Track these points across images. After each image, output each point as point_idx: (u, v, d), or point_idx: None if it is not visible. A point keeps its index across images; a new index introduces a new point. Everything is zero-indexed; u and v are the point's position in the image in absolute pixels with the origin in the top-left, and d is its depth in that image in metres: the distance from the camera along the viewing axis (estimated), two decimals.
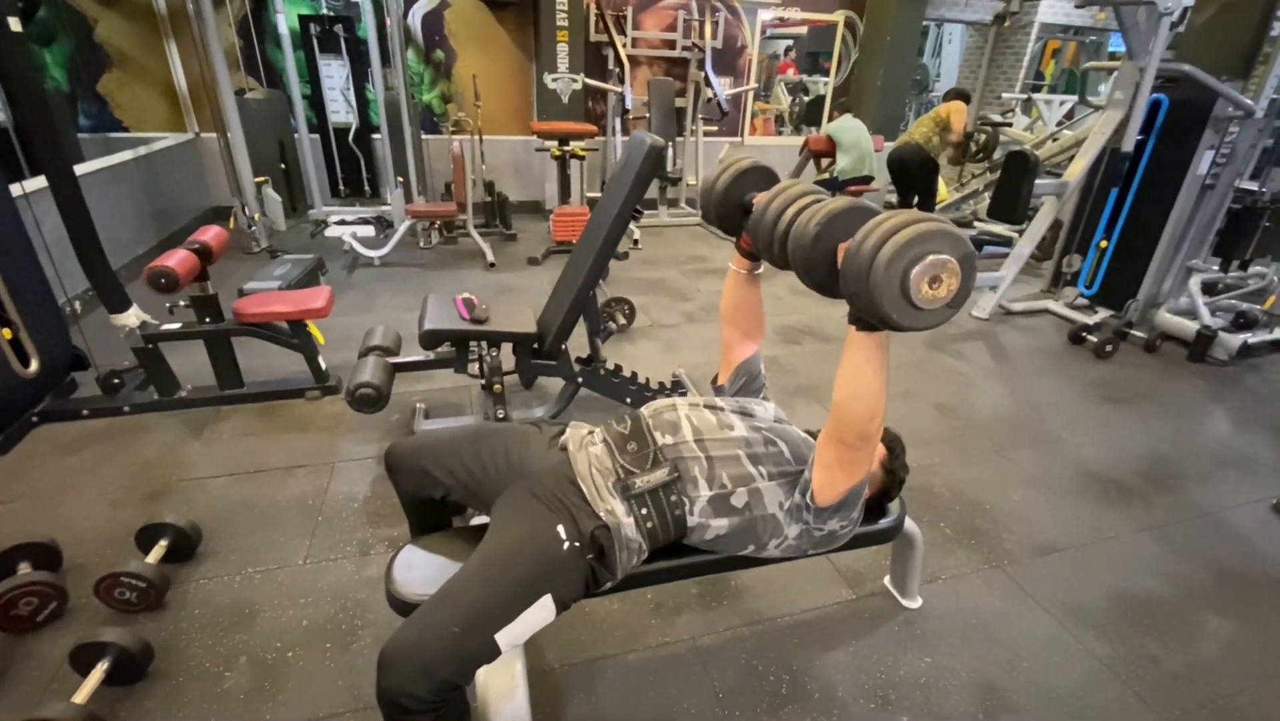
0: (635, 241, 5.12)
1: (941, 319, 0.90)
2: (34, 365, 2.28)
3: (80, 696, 1.28)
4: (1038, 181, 3.62)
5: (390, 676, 0.94)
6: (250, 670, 1.47)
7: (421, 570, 1.19)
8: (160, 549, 1.69)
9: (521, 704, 1.13)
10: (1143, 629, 1.71)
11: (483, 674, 1.14)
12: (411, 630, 0.99)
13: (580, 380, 2.41)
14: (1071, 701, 1.50)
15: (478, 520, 1.42)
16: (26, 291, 2.30)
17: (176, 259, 2.23)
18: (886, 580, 1.80)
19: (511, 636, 1.02)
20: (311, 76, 5.04)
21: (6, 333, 2.19)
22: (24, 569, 1.57)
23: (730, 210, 1.28)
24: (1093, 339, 3.50)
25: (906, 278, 0.85)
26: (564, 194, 4.87)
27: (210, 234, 2.43)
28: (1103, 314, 3.78)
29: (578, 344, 2.42)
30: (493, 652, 1.01)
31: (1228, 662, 1.62)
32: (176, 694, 1.41)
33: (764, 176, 1.28)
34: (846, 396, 1.03)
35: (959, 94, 5.23)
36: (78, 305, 3.15)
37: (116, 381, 2.45)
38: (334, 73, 5.12)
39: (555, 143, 4.65)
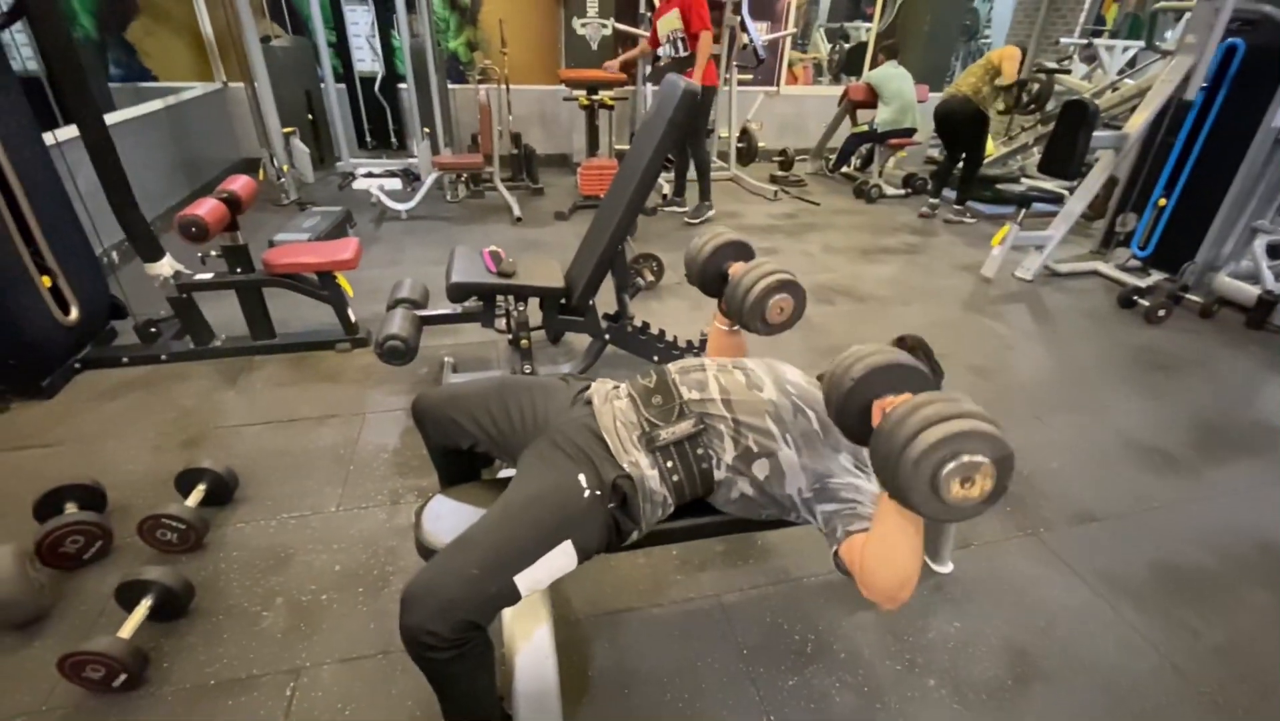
0: (664, 196, 5.00)
1: (975, 514, 0.86)
2: (74, 313, 2.34)
3: (126, 630, 1.33)
4: (1095, 134, 3.40)
5: (412, 614, 0.96)
6: (286, 611, 1.51)
7: (450, 519, 1.19)
8: (199, 493, 1.73)
9: (547, 649, 1.14)
10: (1183, 601, 1.66)
11: (509, 618, 1.15)
12: (433, 570, 1.00)
13: (607, 337, 2.38)
14: (1105, 670, 1.47)
15: (505, 472, 1.41)
16: (64, 240, 2.34)
17: (206, 208, 2.23)
18: None
19: (531, 580, 1.02)
20: (337, 23, 4.94)
21: (46, 280, 2.24)
22: (70, 508, 1.63)
23: (710, 278, 1.47)
24: (1144, 303, 3.34)
25: (937, 477, 0.81)
26: (592, 146, 4.75)
27: (239, 183, 2.42)
28: (1156, 277, 3.60)
29: (605, 300, 2.38)
30: (513, 594, 1.01)
31: (1271, 638, 1.57)
32: (217, 630, 1.46)
33: (740, 249, 1.46)
34: (876, 560, 0.97)
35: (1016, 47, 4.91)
36: (115, 255, 3.20)
37: (154, 330, 2.50)
38: (359, 19, 5.02)
39: (584, 92, 4.51)
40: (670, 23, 4.07)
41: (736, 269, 1.40)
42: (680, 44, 4.11)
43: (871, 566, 0.97)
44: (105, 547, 1.61)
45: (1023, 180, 5.27)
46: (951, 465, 0.80)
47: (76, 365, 2.39)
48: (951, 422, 0.82)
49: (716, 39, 5.36)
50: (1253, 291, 3.24)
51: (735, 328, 1.45)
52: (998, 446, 0.82)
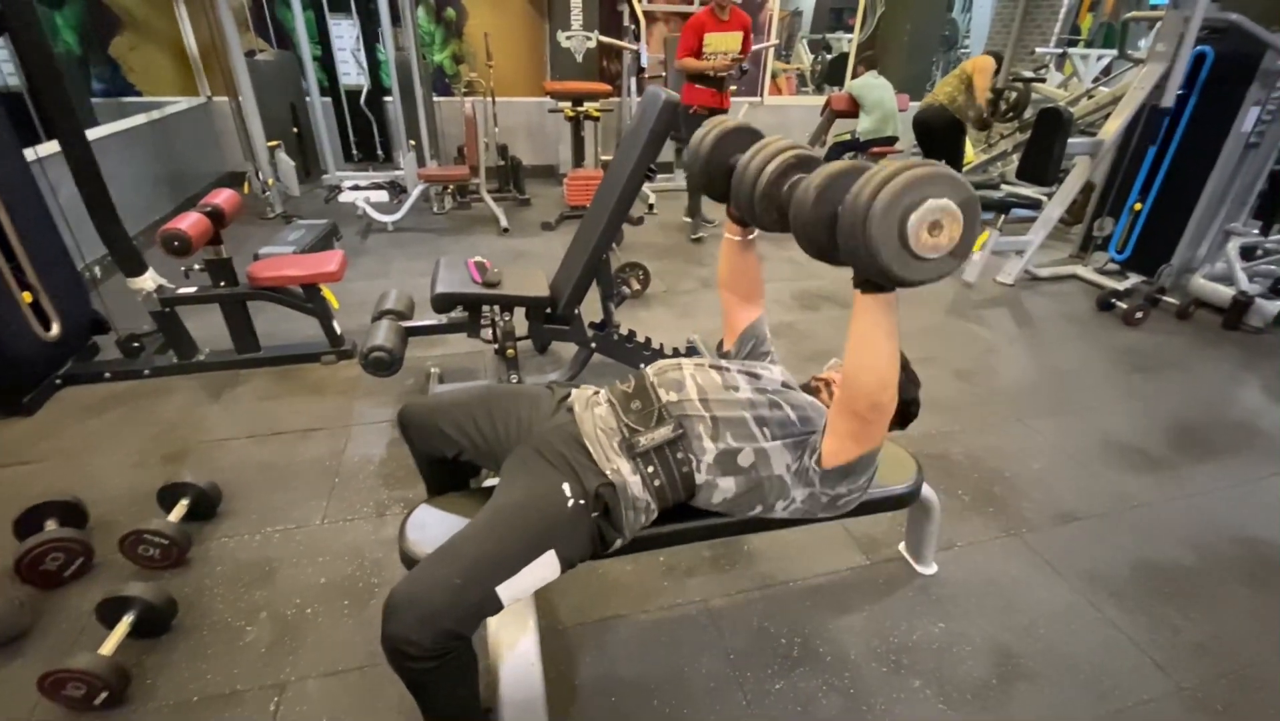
0: (650, 206, 5.03)
1: (946, 269, 0.85)
2: (55, 328, 2.32)
3: (107, 648, 1.32)
4: (1070, 140, 3.47)
5: (393, 624, 0.95)
6: (271, 625, 1.50)
7: (434, 529, 1.19)
8: (182, 507, 1.72)
9: (533, 658, 1.14)
10: (1164, 598, 1.68)
11: (494, 627, 1.15)
12: (415, 580, 1.00)
13: (593, 345, 2.39)
14: (1088, 668, 1.48)
15: (491, 481, 1.42)
16: (45, 255, 2.33)
17: (188, 221, 2.23)
18: (901, 546, 1.78)
19: (514, 590, 1.02)
20: (322, 37, 4.95)
21: (27, 296, 2.23)
22: (51, 525, 1.61)
23: (716, 173, 1.23)
24: (1122, 305, 3.40)
25: (905, 225, 0.80)
26: (578, 157, 4.78)
27: (222, 197, 2.42)
28: (1134, 280, 3.66)
29: (591, 309, 2.40)
30: (495, 605, 1.01)
31: (1251, 634, 1.59)
32: (200, 646, 1.44)
33: (749, 136, 1.22)
34: (856, 365, 0.99)
35: (992, 55, 4.99)
36: (97, 270, 3.18)
37: (136, 345, 2.48)
38: (344, 33, 5.04)
39: (569, 103, 4.54)
40: (728, 42, 3.98)
41: (743, 157, 1.15)
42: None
43: (851, 374, 1.00)
44: (86, 564, 1.59)
45: (1002, 186, 5.35)
46: (919, 210, 0.79)
47: (58, 381, 2.37)
48: (913, 170, 0.81)
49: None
50: (1227, 293, 3.31)
51: (750, 235, 1.31)
52: (960, 189, 0.81)
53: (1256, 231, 3.46)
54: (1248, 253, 3.46)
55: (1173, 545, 1.87)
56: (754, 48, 5.78)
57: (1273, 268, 3.44)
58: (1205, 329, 3.31)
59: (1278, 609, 1.67)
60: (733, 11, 3.95)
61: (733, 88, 4.26)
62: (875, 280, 0.91)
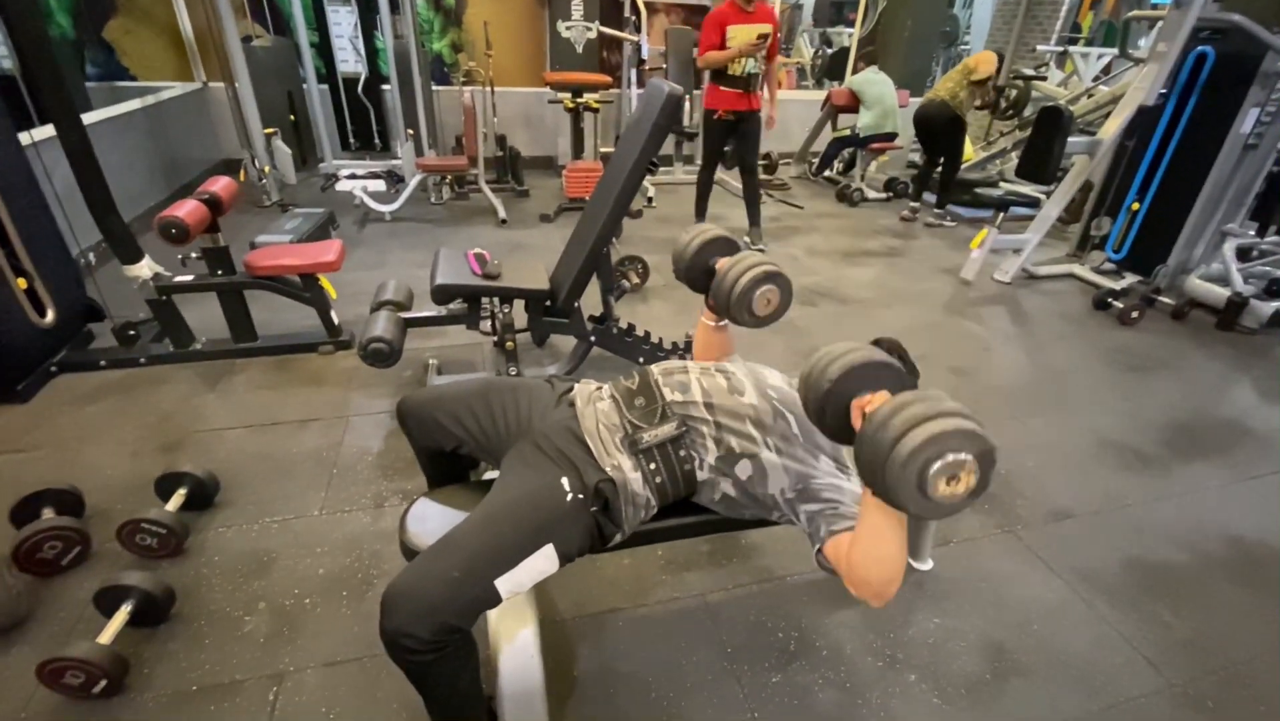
0: (649, 199, 5.02)
1: (957, 510, 0.88)
2: (50, 315, 2.30)
3: (105, 636, 1.32)
4: (1070, 139, 3.48)
5: (392, 617, 0.96)
6: (269, 615, 1.50)
7: (434, 521, 1.19)
8: (179, 497, 1.72)
9: (532, 649, 1.15)
10: (1156, 595, 1.70)
11: (495, 619, 1.15)
12: (413, 573, 1.00)
13: (593, 338, 2.39)
14: (1081, 664, 1.50)
15: (491, 474, 1.42)
16: (39, 242, 2.31)
17: (186, 209, 2.21)
18: None
19: (512, 583, 1.02)
20: (319, 23, 4.90)
21: (22, 282, 2.21)
22: (48, 514, 1.61)
23: (697, 274, 1.46)
24: (1118, 305, 3.41)
25: (924, 476, 0.83)
26: (577, 149, 4.76)
27: (220, 184, 2.40)
28: (1130, 279, 3.68)
29: (591, 302, 2.39)
30: (493, 598, 1.02)
31: (1241, 631, 1.61)
32: (198, 636, 1.44)
33: (727, 245, 1.45)
34: (864, 556, 0.98)
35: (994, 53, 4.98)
36: (92, 257, 3.15)
37: (132, 333, 2.47)
38: (342, 19, 4.98)
39: (569, 94, 4.52)
40: (753, 36, 3.62)
41: (723, 263, 1.38)
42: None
43: (859, 565, 0.99)
44: (84, 553, 1.59)
45: (1001, 184, 5.36)
46: (938, 464, 0.82)
47: (53, 368, 2.35)
48: (935, 422, 0.83)
49: (699, 44, 5.41)
50: (1223, 293, 3.33)
51: (722, 323, 1.45)
52: (980, 443, 0.83)
53: (1253, 233, 3.48)
54: (1243, 254, 3.47)
55: (1164, 543, 1.89)
56: None
57: (1268, 269, 3.46)
58: (1200, 329, 3.33)
59: (1267, 606, 1.69)
60: (758, 4, 3.60)
61: (763, 90, 3.84)
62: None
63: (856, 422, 0.96)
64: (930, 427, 0.82)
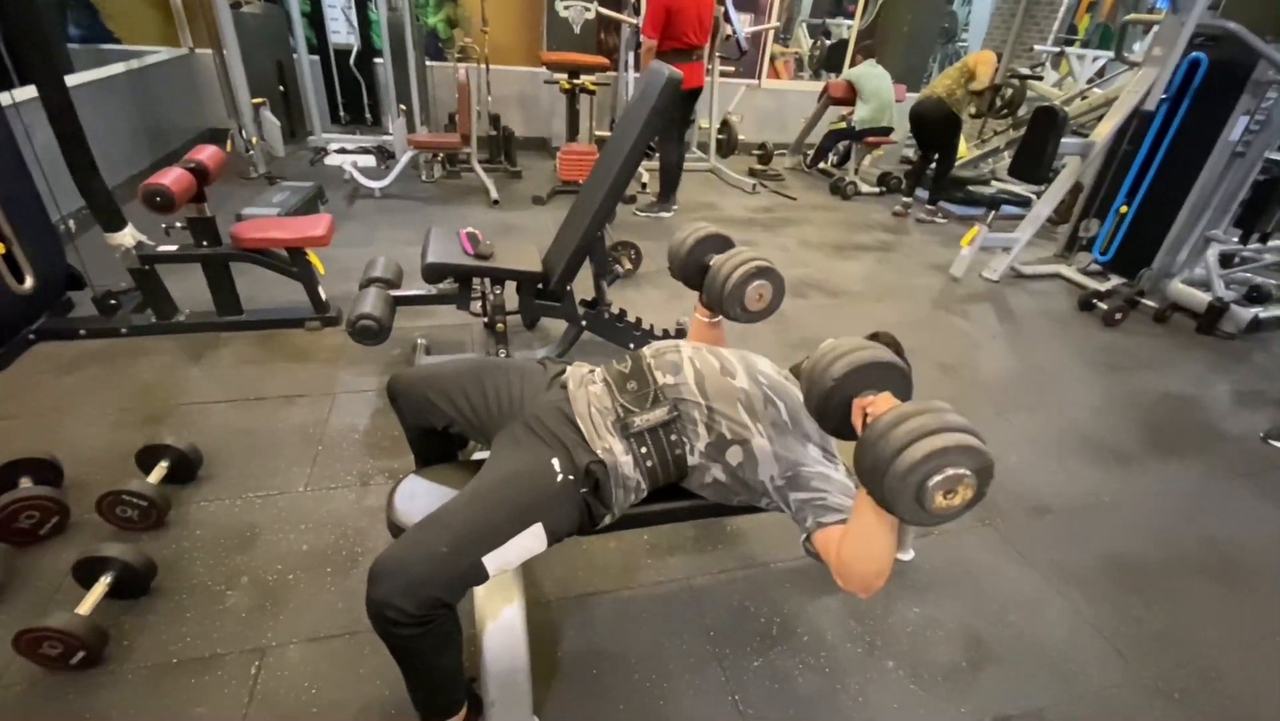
0: (643, 185, 4.98)
1: (953, 519, 0.89)
2: (29, 282, 2.25)
3: (84, 608, 1.30)
4: (1063, 140, 3.50)
5: (379, 588, 0.96)
6: (252, 590, 1.50)
7: (423, 499, 1.19)
8: (161, 470, 1.69)
9: (518, 629, 1.15)
10: (1129, 590, 1.74)
11: (481, 598, 1.15)
12: (402, 546, 1.00)
13: (584, 323, 2.38)
14: (1054, 654, 1.54)
15: (480, 454, 1.42)
16: (18, 206, 2.25)
17: (172, 177, 2.16)
18: None
19: (500, 561, 1.03)
20: None
21: (0, 247, 2.15)
22: (25, 483, 1.58)
23: (692, 270, 1.50)
24: (1102, 306, 3.46)
25: (923, 489, 0.84)
26: (572, 131, 4.71)
27: (206, 153, 2.35)
28: (1115, 281, 3.73)
29: (583, 287, 2.38)
30: (480, 574, 1.02)
31: (1210, 626, 1.66)
32: (179, 609, 1.43)
33: (721, 242, 1.50)
34: (854, 554, 0.99)
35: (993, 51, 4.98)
36: (72, 224, 3.06)
37: (113, 302, 2.42)
38: None
39: (565, 75, 4.46)
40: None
41: (717, 259, 1.42)
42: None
43: (849, 559, 1.00)
44: (62, 524, 1.56)
45: (993, 183, 5.39)
46: (937, 478, 0.83)
47: (31, 336, 2.30)
48: (938, 436, 0.83)
49: None
50: (1204, 298, 3.39)
51: (716, 319, 1.47)
52: (980, 458, 0.84)
53: (1236, 240, 3.53)
54: (1226, 260, 3.53)
55: (1139, 539, 1.93)
56: (753, 29, 5.73)
57: (1249, 275, 3.52)
58: (1180, 332, 3.39)
59: (1236, 603, 1.74)
60: None
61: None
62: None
63: (857, 421, 0.97)
64: (933, 442, 0.83)
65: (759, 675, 1.42)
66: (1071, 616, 1.65)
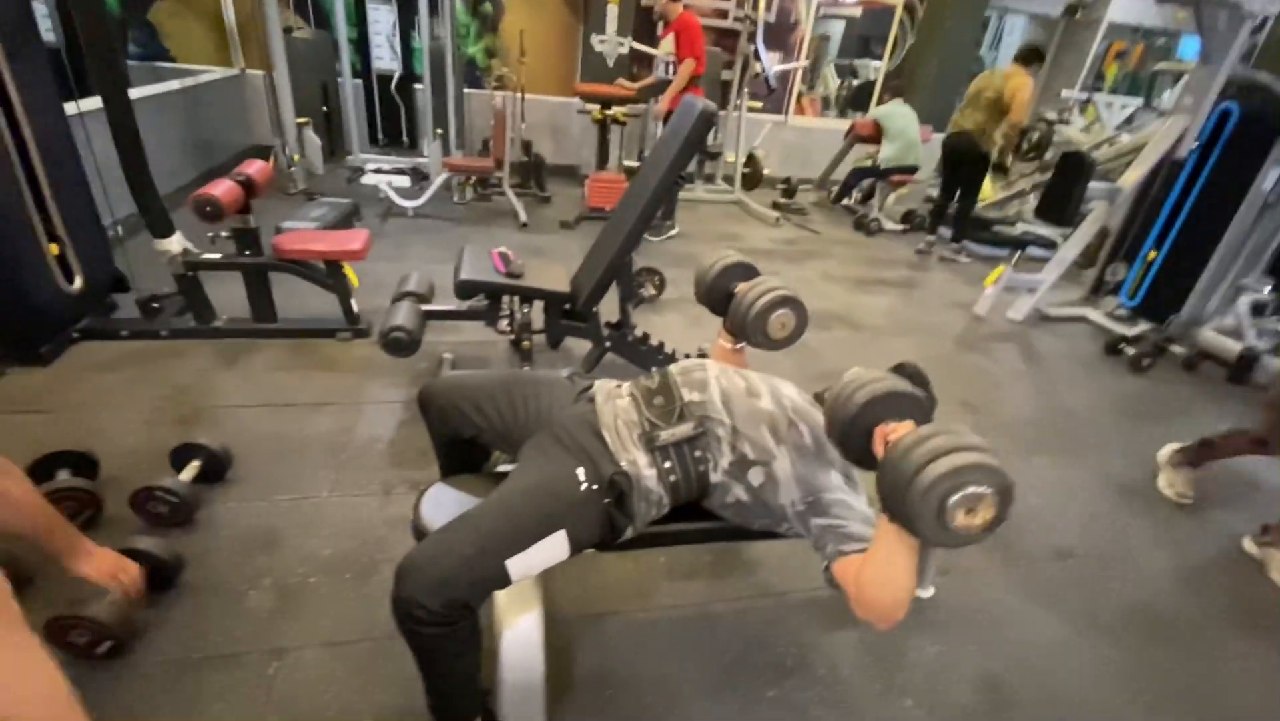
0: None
1: (973, 541, 0.90)
2: (78, 282, 2.34)
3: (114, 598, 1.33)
4: (1090, 185, 3.51)
5: (405, 586, 0.98)
6: (273, 592, 1.52)
7: (449, 507, 1.21)
8: (193, 469, 1.74)
9: (535, 642, 1.15)
10: (1157, 641, 1.70)
11: (500, 608, 1.16)
12: (429, 546, 1.02)
13: (608, 344, 2.41)
14: (1078, 704, 1.49)
15: (504, 466, 1.44)
16: (75, 210, 2.36)
17: (222, 189, 2.25)
18: None
19: (523, 565, 1.04)
20: (359, 20, 5.01)
21: (54, 248, 2.25)
22: (63, 475, 1.63)
23: (717, 297, 1.51)
24: (1130, 351, 3.42)
25: (944, 506, 0.85)
26: (602, 160, 4.82)
27: (255, 167, 2.45)
28: (1142, 326, 3.68)
29: (608, 310, 2.42)
30: (503, 578, 1.03)
31: (1239, 682, 1.61)
32: (203, 606, 1.46)
33: (747, 270, 1.52)
34: (874, 579, 0.98)
35: (1032, 54, 4.39)
36: (120, 229, 3.19)
37: (155, 306, 2.50)
38: (381, 18, 5.10)
39: (598, 106, 4.59)
40: (665, 46, 4.18)
41: (742, 287, 1.44)
42: (671, 68, 4.22)
43: (869, 588, 0.99)
44: (96, 516, 1.61)
45: (1019, 224, 5.39)
46: (958, 496, 0.84)
47: (75, 334, 2.39)
48: (957, 455, 0.85)
49: (728, 66, 5.50)
50: (1235, 347, 3.33)
51: (739, 346, 1.48)
52: (1000, 478, 0.85)
53: (1268, 289, 3.49)
54: (1258, 309, 3.48)
55: (1166, 590, 1.88)
56: (780, 68, 5.85)
57: None
58: (1210, 381, 3.33)
59: (1266, 660, 1.68)
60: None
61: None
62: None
63: (878, 448, 0.98)
64: (953, 460, 0.85)
65: (774, 706, 1.40)
66: (1097, 665, 1.60)
